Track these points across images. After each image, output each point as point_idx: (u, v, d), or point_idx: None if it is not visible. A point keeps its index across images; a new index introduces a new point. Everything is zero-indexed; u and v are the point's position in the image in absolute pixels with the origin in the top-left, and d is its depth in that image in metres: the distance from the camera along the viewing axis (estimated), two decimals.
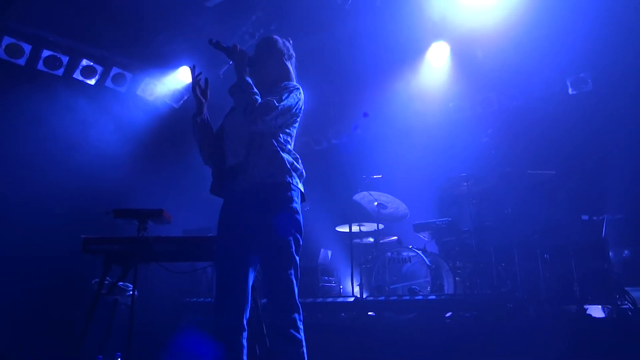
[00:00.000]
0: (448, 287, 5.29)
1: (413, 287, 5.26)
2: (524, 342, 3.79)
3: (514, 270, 4.84)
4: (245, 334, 2.46)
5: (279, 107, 2.38)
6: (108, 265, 3.07)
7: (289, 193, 2.40)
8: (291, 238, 2.35)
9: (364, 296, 5.42)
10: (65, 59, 6.14)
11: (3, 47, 5.71)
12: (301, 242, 2.41)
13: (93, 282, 3.56)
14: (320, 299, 5.42)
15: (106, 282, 3.12)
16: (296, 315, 2.29)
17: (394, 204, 6.14)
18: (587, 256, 4.63)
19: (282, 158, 2.42)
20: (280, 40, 2.70)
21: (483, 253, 5.07)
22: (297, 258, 2.37)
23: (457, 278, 5.24)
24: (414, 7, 5.80)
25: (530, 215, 5.11)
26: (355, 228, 6.19)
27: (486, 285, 4.96)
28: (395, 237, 6.43)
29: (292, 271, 2.32)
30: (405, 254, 5.59)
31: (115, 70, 6.59)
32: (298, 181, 2.48)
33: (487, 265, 4.98)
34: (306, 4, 5.88)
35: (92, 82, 6.49)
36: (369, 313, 4.87)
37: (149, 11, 5.88)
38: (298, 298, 2.32)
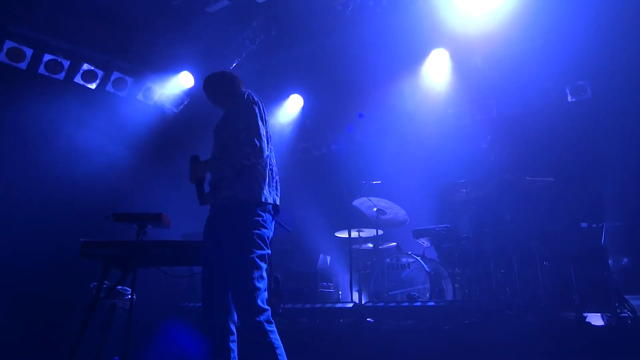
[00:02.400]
0: (447, 294, 5.28)
1: (412, 293, 5.25)
2: (523, 350, 3.78)
3: (513, 277, 4.82)
4: (233, 337, 2.55)
5: (241, 139, 2.54)
6: (107, 269, 3.06)
7: (256, 207, 2.54)
8: (251, 246, 2.47)
9: (363, 302, 5.41)
10: (66, 63, 6.17)
11: (4, 51, 5.74)
12: (265, 252, 2.51)
13: (91, 285, 3.55)
14: (319, 305, 5.40)
15: (105, 285, 3.11)
16: (262, 318, 2.37)
17: (393, 210, 6.14)
18: (586, 263, 4.61)
19: (250, 172, 2.57)
20: (213, 74, 2.99)
21: (482, 259, 5.06)
22: (262, 264, 2.48)
23: (456, 285, 5.23)
24: (414, 15, 5.83)
25: (529, 222, 5.10)
26: (354, 234, 6.18)
27: (485, 292, 4.95)
28: (394, 243, 6.43)
29: (253, 280, 2.41)
30: (404, 260, 5.58)
31: (115, 75, 6.61)
32: (266, 194, 2.58)
33: (486, 272, 4.97)
34: (307, 11, 5.92)
35: (92, 86, 6.51)
36: (368, 319, 4.86)
37: (150, 16, 5.92)
38: (264, 304, 2.41)
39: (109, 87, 6.63)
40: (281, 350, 2.36)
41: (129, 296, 3.24)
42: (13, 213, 5.46)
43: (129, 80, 6.75)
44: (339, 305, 5.31)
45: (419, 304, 4.86)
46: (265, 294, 2.47)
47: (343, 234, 6.34)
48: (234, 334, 2.55)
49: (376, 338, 4.41)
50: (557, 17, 5.55)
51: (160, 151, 7.06)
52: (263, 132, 2.60)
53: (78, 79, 6.38)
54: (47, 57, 6.03)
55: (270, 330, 2.37)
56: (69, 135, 6.08)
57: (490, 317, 4.43)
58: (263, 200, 2.57)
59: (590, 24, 5.46)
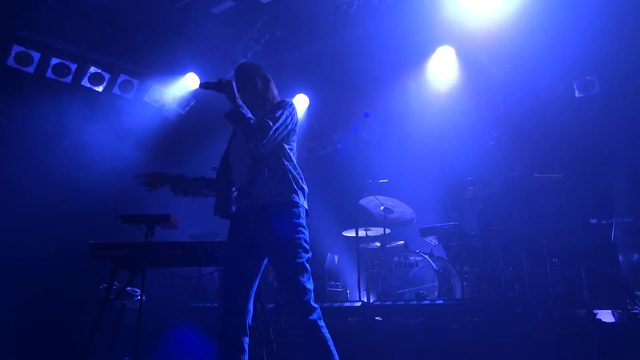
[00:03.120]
0: (456, 292, 5.26)
1: (420, 291, 5.23)
2: (532, 347, 3.76)
3: (521, 275, 4.80)
4: (247, 339, 2.57)
5: (274, 126, 2.50)
6: (116, 270, 3.09)
7: (295, 210, 2.55)
8: (297, 255, 2.48)
9: (371, 301, 5.41)
10: (73, 67, 6.22)
11: (13, 55, 5.80)
12: (310, 254, 2.55)
13: (101, 287, 3.59)
14: (327, 304, 5.40)
15: (114, 287, 3.14)
16: (314, 316, 2.42)
17: (401, 209, 6.13)
18: (596, 260, 4.58)
19: (288, 177, 2.58)
20: (251, 63, 2.89)
21: (490, 257, 5.04)
22: (308, 266, 2.51)
23: (464, 282, 5.21)
24: (419, 12, 5.81)
25: (537, 219, 5.07)
26: (361, 233, 6.18)
27: (494, 290, 4.92)
28: (402, 242, 6.42)
29: (303, 280, 2.46)
30: (412, 258, 5.57)
31: (122, 77, 6.66)
32: (303, 199, 2.62)
33: (495, 270, 4.94)
34: (311, 10, 5.92)
35: (99, 89, 6.56)
36: (376, 318, 4.86)
37: (155, 18, 5.95)
38: (314, 303, 2.47)
39: (116, 90, 6.68)
40: (331, 342, 2.43)
41: (139, 297, 3.27)
42: (22, 215, 5.51)
43: (136, 82, 6.79)
44: (347, 304, 5.31)
45: (427, 302, 4.85)
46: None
47: (350, 233, 6.34)
48: (247, 335, 2.58)
49: (385, 337, 4.41)
50: (563, 12, 5.51)
51: (167, 152, 7.09)
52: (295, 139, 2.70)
53: (85, 82, 6.43)
54: (54, 60, 6.08)
55: (321, 326, 2.44)
56: (76, 138, 6.13)
57: (500, 314, 4.41)
58: (302, 203, 2.60)
59: (597, 18, 5.41)
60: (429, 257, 5.45)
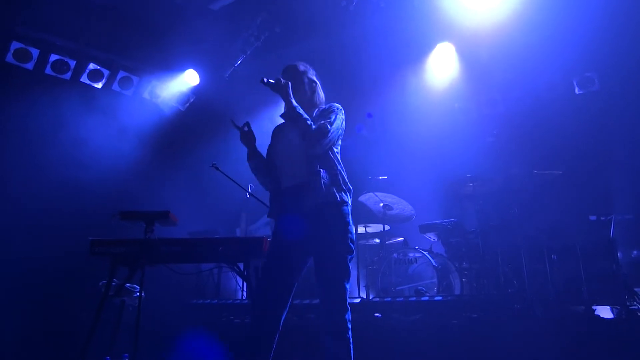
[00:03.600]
0: (455, 288, 5.27)
1: (419, 288, 5.24)
2: (531, 344, 3.77)
3: (521, 271, 4.80)
4: (277, 336, 2.63)
5: (331, 130, 2.63)
6: (115, 267, 3.09)
7: (345, 208, 2.64)
8: (348, 251, 2.59)
9: (370, 297, 5.42)
10: (72, 63, 6.22)
11: (12, 51, 5.79)
12: (355, 254, 2.65)
13: (100, 284, 3.59)
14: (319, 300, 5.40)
15: (113, 283, 3.14)
16: (347, 316, 2.53)
17: (400, 205, 6.13)
18: (595, 257, 4.59)
19: (338, 178, 2.68)
20: (299, 64, 2.94)
21: (490, 254, 5.04)
22: (350, 271, 2.61)
23: (463, 279, 5.22)
24: (418, 9, 5.80)
25: (537, 216, 5.07)
26: (361, 229, 6.18)
27: (493, 286, 4.93)
28: (401, 238, 6.42)
29: (347, 281, 2.57)
30: (411, 255, 5.57)
31: (122, 74, 6.65)
32: (348, 197, 2.71)
33: (494, 266, 4.95)
34: (310, 6, 5.90)
35: (99, 85, 6.55)
36: (376, 314, 4.86)
37: (155, 14, 5.94)
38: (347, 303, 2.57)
39: (115, 86, 6.67)
40: (352, 346, 2.52)
41: (138, 294, 3.27)
42: (20, 213, 5.51)
43: (135, 79, 6.78)
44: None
45: (426, 298, 4.85)
46: None
47: None
48: (279, 332, 2.62)
49: (384, 333, 4.41)
50: (563, 8, 5.49)
51: (166, 149, 7.10)
52: None
53: (84, 79, 6.43)
54: (53, 57, 6.08)
55: (349, 328, 2.53)
56: (75, 134, 6.13)
57: (499, 311, 4.42)
58: (347, 201, 2.68)
59: (596, 15, 5.39)
60: (428, 253, 5.46)
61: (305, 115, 2.63)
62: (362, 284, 5.54)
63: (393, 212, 6.16)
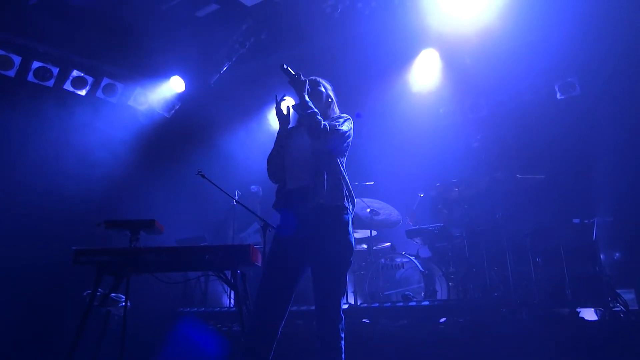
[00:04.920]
0: (441, 293, 5.30)
1: (407, 293, 5.26)
2: (517, 346, 3.81)
3: (506, 275, 4.86)
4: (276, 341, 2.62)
5: (340, 130, 2.67)
6: (100, 276, 3.05)
7: (347, 216, 2.65)
8: (346, 260, 2.61)
9: (358, 303, 5.42)
10: (55, 70, 6.14)
11: None
12: (352, 262, 2.66)
13: (85, 294, 3.54)
14: (314, 307, 5.39)
15: (98, 293, 3.10)
16: (340, 326, 2.55)
17: (387, 211, 6.16)
18: (578, 259, 4.65)
19: (342, 184, 2.70)
20: (321, 80, 3.01)
21: (475, 258, 5.09)
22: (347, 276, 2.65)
23: (450, 283, 5.26)
24: (402, 16, 5.86)
25: (521, 219, 5.14)
26: None
27: (479, 290, 4.98)
28: (388, 244, 6.44)
29: (343, 290, 2.60)
30: (398, 260, 5.60)
31: (106, 81, 6.59)
32: (350, 204, 2.73)
33: (480, 270, 4.99)
34: (296, 13, 5.93)
35: (83, 92, 6.48)
36: (364, 320, 4.87)
37: (139, 21, 5.89)
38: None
39: (99, 94, 6.61)
40: (344, 354, 2.55)
41: (123, 303, 3.23)
42: (3, 220, 5.42)
43: (120, 86, 6.73)
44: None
45: (413, 303, 4.88)
46: None
47: None
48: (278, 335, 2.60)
49: (372, 338, 4.42)
50: (544, 14, 5.60)
51: (152, 156, 7.03)
52: None
53: (68, 86, 6.35)
54: (35, 64, 6.00)
55: (343, 337, 2.56)
56: (59, 142, 6.06)
57: (485, 314, 4.46)
58: (348, 207, 2.69)
59: (577, 21, 5.51)
60: (415, 258, 5.49)
61: (316, 110, 2.66)
62: (349, 290, 5.53)
63: (380, 218, 6.19)
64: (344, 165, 2.82)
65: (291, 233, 2.66)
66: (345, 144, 2.77)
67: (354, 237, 2.69)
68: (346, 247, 2.61)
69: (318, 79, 2.99)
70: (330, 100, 2.97)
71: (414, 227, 5.88)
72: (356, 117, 7.63)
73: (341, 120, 2.76)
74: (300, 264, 2.67)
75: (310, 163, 2.67)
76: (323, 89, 2.95)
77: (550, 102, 6.50)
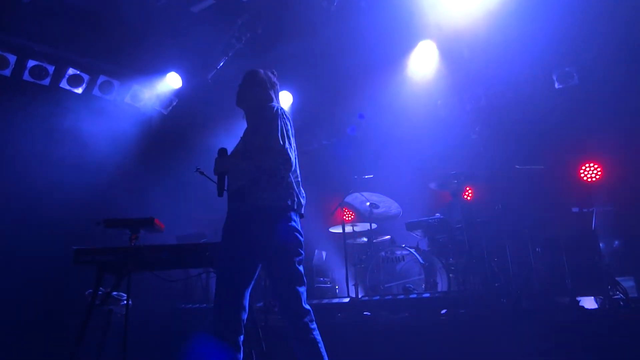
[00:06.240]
0: (442, 284, 5.32)
1: (407, 285, 5.29)
2: (518, 336, 3.83)
3: (506, 265, 4.87)
4: (242, 337, 2.59)
5: (282, 143, 2.59)
6: (101, 275, 3.05)
7: (291, 214, 2.64)
8: (295, 254, 2.61)
9: (359, 296, 5.44)
10: (51, 69, 6.10)
11: None
12: (303, 256, 2.66)
13: (87, 293, 3.55)
14: (315, 301, 5.42)
15: (100, 292, 3.11)
16: (307, 319, 2.54)
17: (386, 204, 6.17)
18: (578, 248, 4.67)
19: (286, 182, 2.66)
20: (262, 71, 2.96)
21: (475, 249, 5.11)
22: (301, 269, 2.64)
23: (450, 275, 5.27)
24: (398, 8, 5.82)
25: (520, 210, 5.15)
26: (348, 228, 6.20)
27: (480, 281, 4.99)
28: (388, 237, 6.46)
29: (300, 284, 2.59)
30: (398, 252, 5.61)
31: (102, 78, 6.55)
32: (299, 204, 2.71)
33: (480, 261, 5.01)
34: (292, 7, 5.89)
35: (79, 90, 6.45)
36: (365, 313, 4.89)
37: (134, 18, 5.85)
38: (307, 305, 2.59)
39: (96, 91, 6.57)
40: (322, 345, 2.53)
41: (125, 302, 3.24)
42: (3, 220, 5.42)
43: (116, 83, 6.69)
44: (336, 300, 5.34)
45: (414, 295, 4.90)
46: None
47: (337, 229, 6.36)
48: (243, 333, 2.60)
49: (374, 331, 4.44)
50: (541, 3, 5.57)
51: (150, 153, 7.02)
52: (293, 143, 2.74)
53: (64, 84, 6.31)
54: (31, 63, 5.96)
55: (313, 328, 2.54)
56: (56, 141, 6.03)
57: (485, 305, 4.48)
58: (297, 208, 2.68)
59: (575, 10, 5.48)
60: (415, 251, 5.50)
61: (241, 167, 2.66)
62: (350, 283, 5.56)
63: (379, 211, 6.20)
64: (290, 155, 2.66)
65: (237, 233, 2.63)
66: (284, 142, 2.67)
67: (301, 237, 2.65)
68: (291, 242, 2.59)
69: (255, 69, 2.95)
70: (273, 84, 2.94)
71: (413, 220, 5.89)
72: (358, 119, 7.67)
73: (272, 124, 2.64)
74: (251, 262, 2.63)
75: (245, 165, 2.64)
76: (263, 77, 2.91)
77: (549, 91, 6.48)
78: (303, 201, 2.76)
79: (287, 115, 2.80)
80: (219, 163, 2.71)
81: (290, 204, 2.63)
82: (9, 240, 5.30)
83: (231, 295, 2.57)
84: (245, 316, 2.61)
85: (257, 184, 2.60)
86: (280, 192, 2.62)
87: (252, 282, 2.66)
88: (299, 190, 2.74)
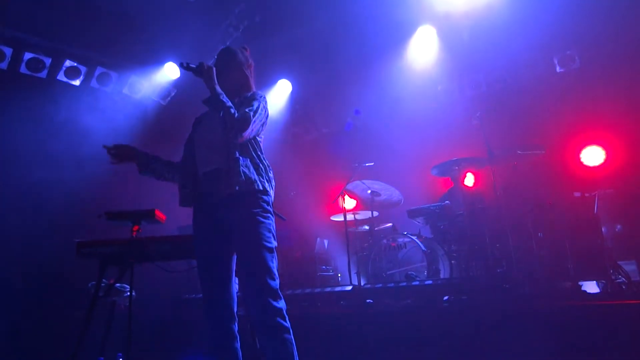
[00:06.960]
0: (444, 271, 5.32)
1: (409, 272, 5.29)
2: (520, 321, 3.83)
3: (508, 251, 4.86)
4: (236, 325, 2.58)
5: (254, 120, 2.53)
6: (104, 267, 3.06)
7: (265, 197, 2.55)
8: (266, 242, 2.46)
9: (362, 284, 5.46)
10: (48, 61, 6.06)
11: None
12: (276, 244, 2.52)
13: (90, 285, 3.56)
14: (318, 289, 5.44)
15: (103, 284, 3.12)
16: (279, 314, 2.36)
17: (388, 191, 6.16)
18: (580, 233, 4.65)
19: (259, 166, 2.59)
20: (238, 50, 2.85)
21: (477, 235, 5.09)
22: (274, 259, 2.46)
23: (452, 262, 5.27)
24: None
25: (522, 195, 5.13)
26: (350, 216, 6.20)
27: (482, 267, 4.99)
28: (390, 224, 6.46)
29: (269, 275, 2.40)
30: (400, 240, 5.62)
31: (99, 70, 6.51)
32: (271, 188, 2.62)
33: (482, 247, 5.00)
34: None
35: (76, 82, 6.41)
36: (368, 300, 4.91)
37: (131, 8, 5.80)
38: (279, 292, 2.41)
39: (94, 83, 6.54)
40: (291, 335, 2.38)
41: (128, 293, 3.25)
42: (5, 214, 5.42)
43: (114, 74, 6.65)
44: (339, 288, 5.35)
45: (417, 282, 4.91)
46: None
47: (339, 218, 6.36)
48: (236, 319, 2.59)
49: (377, 318, 4.46)
50: None
51: (149, 144, 6.96)
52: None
53: (61, 77, 6.27)
54: (27, 55, 5.91)
55: (286, 326, 2.38)
56: (55, 134, 6.01)
57: (488, 291, 4.48)
58: (270, 192, 2.60)
59: None
60: (417, 238, 5.50)
61: (229, 104, 2.51)
62: (353, 271, 5.57)
63: (381, 199, 6.19)
64: (262, 142, 2.69)
65: (209, 220, 2.59)
66: (260, 128, 2.64)
67: (273, 221, 2.55)
68: (264, 229, 2.46)
69: (228, 50, 2.83)
70: (247, 68, 2.84)
71: (415, 207, 5.88)
72: (355, 114, 7.62)
73: (255, 104, 2.59)
74: (225, 248, 2.58)
75: (222, 146, 2.53)
76: (236, 65, 2.79)
77: (550, 75, 6.43)
78: (272, 186, 2.67)
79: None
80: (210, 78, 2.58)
81: (264, 187, 2.55)
82: (11, 234, 5.30)
83: (216, 286, 2.57)
84: (235, 303, 2.58)
85: (234, 167, 2.50)
86: (254, 176, 2.54)
87: (234, 268, 2.60)
88: (271, 175, 2.67)
